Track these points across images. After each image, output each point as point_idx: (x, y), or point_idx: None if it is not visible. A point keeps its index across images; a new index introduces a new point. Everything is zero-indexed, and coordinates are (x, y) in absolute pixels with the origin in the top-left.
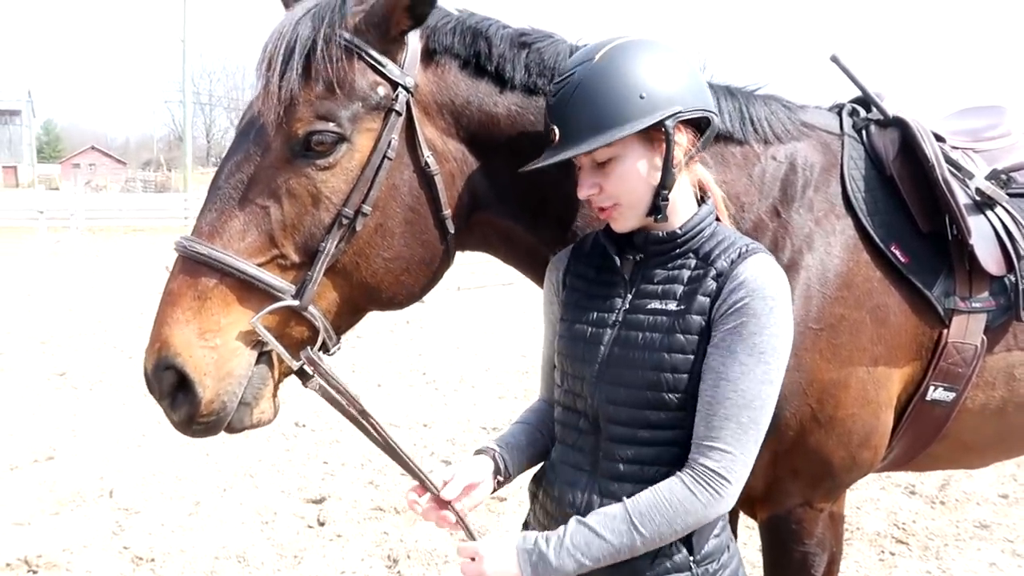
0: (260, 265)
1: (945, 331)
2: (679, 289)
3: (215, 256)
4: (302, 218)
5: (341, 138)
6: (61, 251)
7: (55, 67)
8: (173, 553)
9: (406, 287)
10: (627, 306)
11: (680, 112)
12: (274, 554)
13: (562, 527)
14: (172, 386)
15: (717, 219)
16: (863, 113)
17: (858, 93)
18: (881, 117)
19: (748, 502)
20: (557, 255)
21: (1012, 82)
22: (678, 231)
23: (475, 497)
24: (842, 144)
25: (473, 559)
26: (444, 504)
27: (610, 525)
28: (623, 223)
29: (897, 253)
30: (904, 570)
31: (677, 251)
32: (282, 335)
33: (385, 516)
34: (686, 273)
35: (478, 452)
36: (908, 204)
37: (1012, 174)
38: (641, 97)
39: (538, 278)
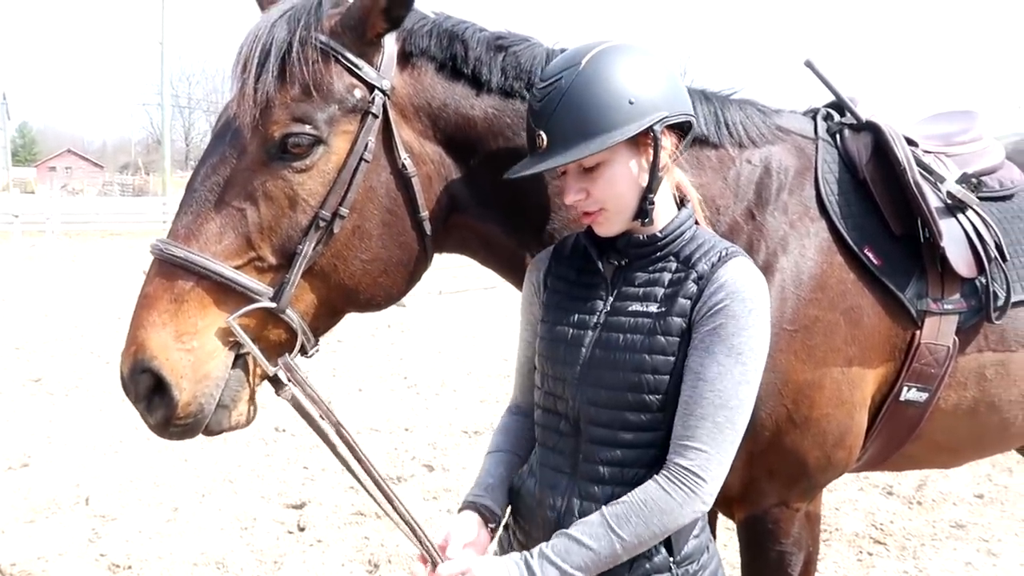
0: (237, 268)
1: (918, 332)
2: (660, 292)
3: (192, 259)
4: (279, 220)
5: (317, 140)
6: (36, 255)
7: (30, 68)
8: (151, 560)
9: (384, 288)
10: (608, 308)
11: (667, 117)
12: (254, 560)
13: (545, 541)
14: (148, 389)
15: (695, 222)
16: (837, 117)
17: (832, 98)
18: (854, 121)
19: (725, 502)
20: (538, 256)
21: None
22: (658, 234)
23: (476, 552)
24: (816, 148)
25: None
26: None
27: (589, 531)
28: (608, 228)
29: (870, 255)
30: (882, 570)
31: (658, 254)
32: (259, 337)
33: (366, 521)
34: (667, 276)
35: (462, 508)
36: (881, 207)
37: (983, 178)
38: (630, 103)
39: (516, 280)
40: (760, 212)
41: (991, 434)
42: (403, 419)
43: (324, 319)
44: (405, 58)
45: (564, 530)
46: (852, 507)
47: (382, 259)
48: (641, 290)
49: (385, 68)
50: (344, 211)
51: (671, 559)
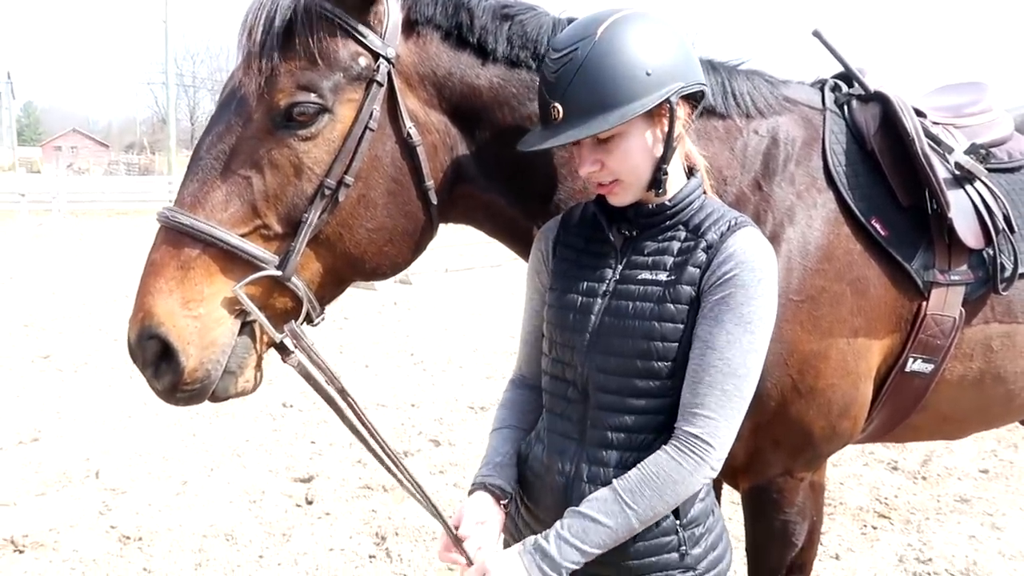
0: (243, 236)
1: (924, 303)
2: (669, 260)
3: (198, 226)
4: (284, 189)
5: (323, 109)
6: (43, 234)
7: (35, 48)
8: (160, 532)
9: (389, 257)
10: (618, 276)
11: (683, 87)
12: (262, 532)
13: (558, 522)
14: (155, 355)
15: (703, 191)
16: (845, 88)
17: (840, 68)
18: (863, 92)
19: (730, 472)
20: (546, 225)
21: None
22: (667, 203)
23: (489, 533)
24: (824, 119)
25: (485, 574)
26: (456, 541)
27: (603, 508)
28: (622, 198)
29: (877, 226)
30: (886, 543)
31: (667, 223)
32: (265, 305)
33: (373, 494)
34: (676, 244)
35: (472, 489)
36: (888, 178)
37: (991, 149)
38: (647, 74)
39: (520, 250)
40: (767, 183)
41: (996, 405)
42: (410, 395)
43: (330, 288)
44: (410, 26)
45: (577, 509)
46: (856, 481)
47: (387, 228)
48: (650, 259)
49: (390, 36)
50: (349, 180)
51: (677, 522)
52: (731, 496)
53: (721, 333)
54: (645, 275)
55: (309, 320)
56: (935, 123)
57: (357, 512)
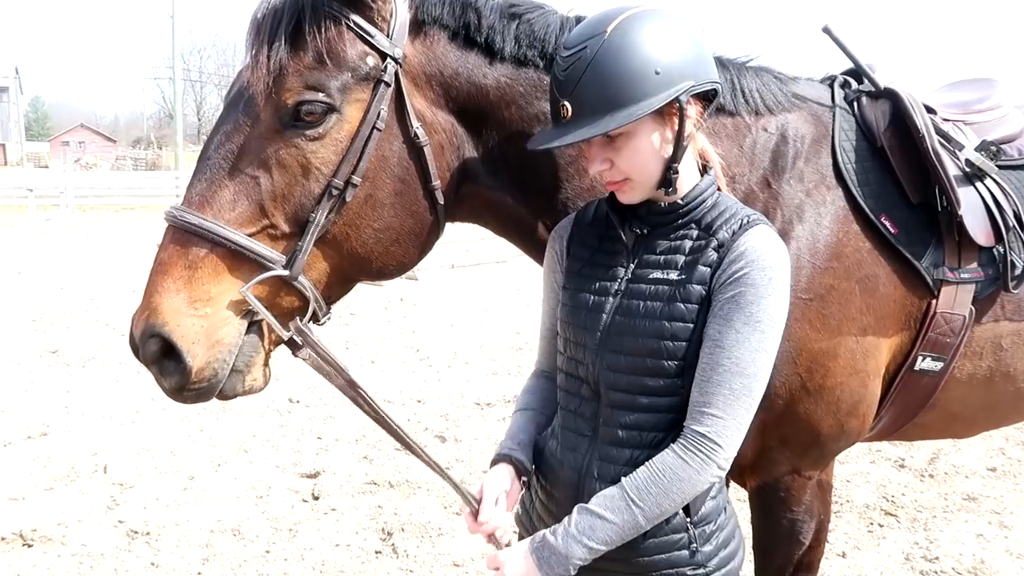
0: (250, 235)
1: (934, 301)
2: (681, 259)
3: (206, 226)
4: (292, 188)
5: (330, 108)
6: (51, 229)
7: (43, 43)
8: (168, 527)
9: (395, 257)
10: (630, 275)
11: (693, 86)
12: (269, 528)
13: (566, 518)
14: (155, 354)
15: (718, 188)
16: (855, 85)
17: (850, 65)
18: (872, 89)
19: (738, 470)
20: (559, 224)
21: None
22: (680, 202)
23: (509, 505)
24: (833, 116)
25: (498, 568)
26: (476, 516)
27: (610, 505)
28: (632, 196)
29: (887, 224)
30: (892, 541)
31: (679, 221)
32: (272, 304)
33: (379, 490)
34: (688, 243)
35: (495, 461)
36: (898, 175)
37: (1002, 146)
38: (656, 73)
39: (528, 248)
40: (776, 180)
41: (1006, 404)
42: (416, 391)
43: (336, 287)
44: (417, 26)
45: (585, 505)
46: (863, 479)
47: (394, 228)
48: (662, 258)
49: (397, 36)
50: (356, 180)
51: (688, 520)
52: (738, 494)
53: (730, 332)
54: (657, 274)
55: (315, 319)
56: (945, 120)
57: (363, 508)
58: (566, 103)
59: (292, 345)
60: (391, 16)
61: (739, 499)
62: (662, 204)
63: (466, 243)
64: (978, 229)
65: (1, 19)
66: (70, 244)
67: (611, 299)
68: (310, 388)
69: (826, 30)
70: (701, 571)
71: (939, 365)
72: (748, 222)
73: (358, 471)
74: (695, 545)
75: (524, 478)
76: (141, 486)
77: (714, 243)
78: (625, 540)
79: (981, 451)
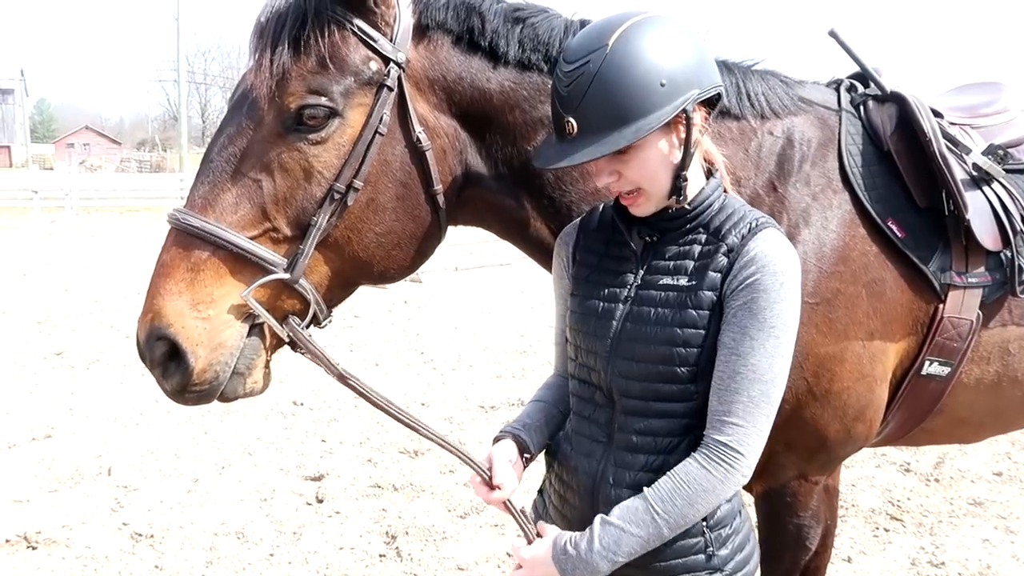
0: (252, 238)
1: (941, 306)
2: (690, 264)
3: (208, 229)
4: (294, 192)
5: (333, 112)
6: (56, 231)
7: (48, 45)
8: (172, 530)
9: (397, 261)
10: (639, 281)
11: (698, 94)
12: (273, 531)
13: (590, 528)
14: (164, 356)
15: (724, 190)
16: (861, 88)
17: (856, 68)
18: (879, 92)
19: None
20: (565, 230)
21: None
22: (687, 207)
23: (513, 478)
24: (840, 119)
25: (520, 567)
26: (490, 487)
27: (633, 518)
28: (645, 208)
29: (894, 228)
30: (898, 546)
31: (688, 226)
32: (273, 307)
33: (383, 493)
34: (697, 248)
35: (499, 436)
36: (905, 179)
37: (1009, 149)
38: (662, 84)
39: (531, 251)
40: (782, 184)
41: (1014, 409)
42: (420, 394)
43: (337, 291)
44: (421, 31)
45: (608, 519)
46: (869, 483)
47: (395, 232)
48: (671, 263)
49: (401, 41)
50: (358, 184)
51: (704, 524)
52: (744, 499)
53: (745, 339)
54: (666, 280)
55: (316, 322)
56: (952, 124)
57: (367, 511)
58: (571, 119)
59: (294, 345)
60: (394, 21)
61: (746, 504)
62: (670, 210)
63: (470, 246)
64: (985, 233)
65: (7, 21)
66: (75, 246)
67: (621, 306)
68: (314, 391)
69: (832, 34)
70: (718, 575)
71: (946, 370)
72: (757, 226)
73: (362, 474)
74: (711, 549)
75: (527, 455)
76: (145, 488)
77: (724, 248)
78: (648, 551)
79: (987, 455)
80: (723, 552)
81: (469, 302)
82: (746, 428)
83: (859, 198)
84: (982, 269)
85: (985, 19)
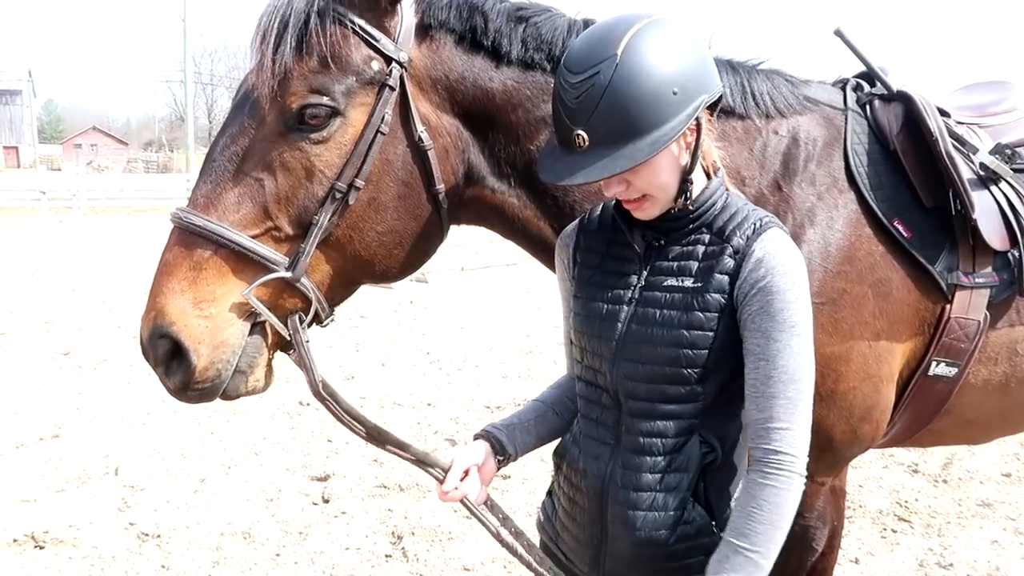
0: (254, 237)
1: (948, 306)
2: (694, 265)
3: (210, 228)
4: (296, 191)
5: (335, 112)
6: (64, 231)
7: (55, 46)
8: (179, 529)
9: (398, 260)
10: (643, 283)
11: (707, 99)
12: (279, 531)
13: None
14: (166, 354)
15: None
16: (867, 88)
17: (862, 68)
18: (885, 92)
19: None
20: (564, 232)
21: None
22: (690, 207)
23: (480, 478)
24: (845, 119)
25: None
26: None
27: (731, 566)
28: (651, 212)
29: (900, 228)
30: (906, 547)
31: (690, 226)
32: (275, 306)
33: (389, 493)
34: (700, 249)
35: (475, 437)
36: (912, 179)
37: (1017, 149)
38: (674, 93)
39: (535, 250)
40: (787, 183)
41: (1021, 410)
42: (426, 394)
43: (339, 289)
44: (423, 30)
45: None
46: (876, 484)
47: (397, 231)
48: (675, 264)
49: (403, 40)
50: (360, 183)
51: (712, 523)
52: None
53: (770, 343)
54: (671, 281)
55: (318, 321)
56: (959, 123)
57: (373, 511)
58: (581, 132)
59: (285, 344)
60: (397, 20)
61: None
62: (673, 210)
63: (476, 246)
64: (993, 233)
65: (15, 23)
66: (82, 246)
67: (625, 307)
68: None
69: (838, 33)
70: None
71: (953, 370)
72: (761, 226)
73: (368, 474)
74: None
75: (500, 457)
76: (152, 488)
77: (729, 250)
78: None
79: (996, 456)
80: None
81: (475, 302)
82: (792, 429)
83: (865, 198)
84: (989, 269)
85: (993, 18)
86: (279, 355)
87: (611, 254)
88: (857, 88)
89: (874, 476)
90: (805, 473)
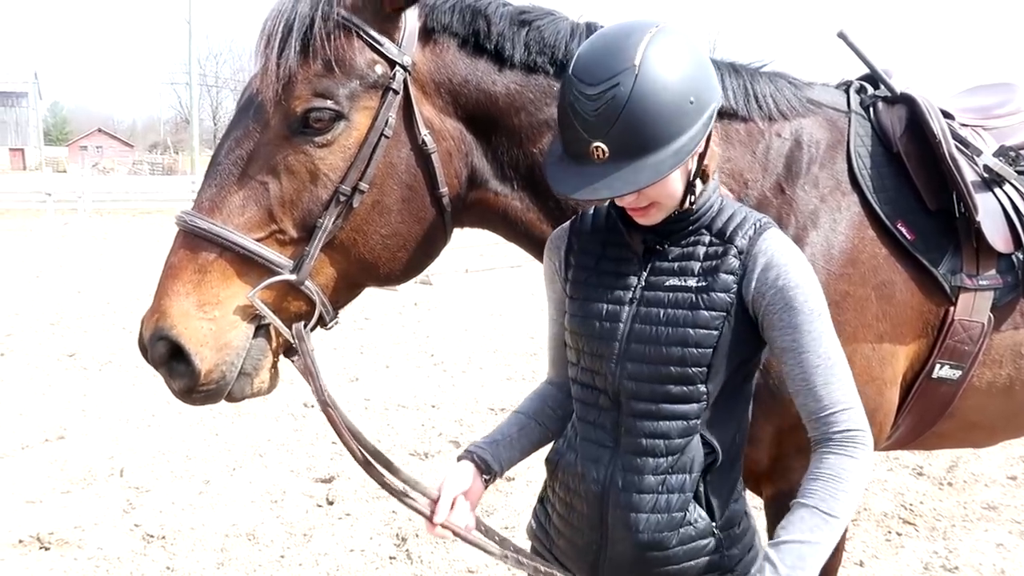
0: (259, 240)
1: (952, 308)
2: (696, 265)
3: (215, 231)
4: (300, 194)
5: (339, 116)
6: (69, 233)
7: (61, 48)
8: (183, 531)
9: (402, 263)
10: (644, 283)
11: (717, 106)
12: (283, 532)
13: (765, 560)
14: (163, 356)
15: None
16: (870, 90)
17: (866, 70)
18: (889, 94)
19: (753, 478)
20: (554, 234)
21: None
22: (692, 208)
23: (468, 502)
24: (849, 121)
25: None
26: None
27: (808, 527)
28: (656, 218)
29: (903, 230)
30: (911, 550)
31: (690, 228)
32: (279, 309)
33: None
34: (701, 249)
35: (460, 457)
36: (915, 181)
37: (1021, 151)
38: (691, 102)
39: (538, 253)
40: (790, 186)
41: None
42: (430, 396)
43: (343, 292)
44: (427, 34)
45: (782, 540)
46: (881, 487)
47: (401, 234)
48: (676, 264)
49: (406, 44)
50: (364, 186)
51: (714, 524)
52: (753, 502)
53: (804, 336)
54: (673, 281)
55: (323, 324)
56: (963, 125)
57: (378, 513)
58: (600, 144)
59: (289, 351)
60: (401, 24)
61: (755, 507)
62: (673, 213)
63: (480, 248)
64: (996, 235)
65: (20, 25)
66: (87, 248)
67: (627, 307)
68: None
69: (841, 35)
70: None
71: (957, 373)
72: (761, 226)
73: None
74: (723, 550)
75: (486, 477)
76: (157, 490)
77: (733, 250)
78: (827, 556)
79: (1001, 459)
80: (733, 551)
81: (479, 304)
82: (854, 407)
83: (868, 200)
84: (993, 271)
85: (997, 20)
86: (284, 360)
87: (607, 255)
88: (860, 90)
89: (879, 479)
90: (872, 445)
